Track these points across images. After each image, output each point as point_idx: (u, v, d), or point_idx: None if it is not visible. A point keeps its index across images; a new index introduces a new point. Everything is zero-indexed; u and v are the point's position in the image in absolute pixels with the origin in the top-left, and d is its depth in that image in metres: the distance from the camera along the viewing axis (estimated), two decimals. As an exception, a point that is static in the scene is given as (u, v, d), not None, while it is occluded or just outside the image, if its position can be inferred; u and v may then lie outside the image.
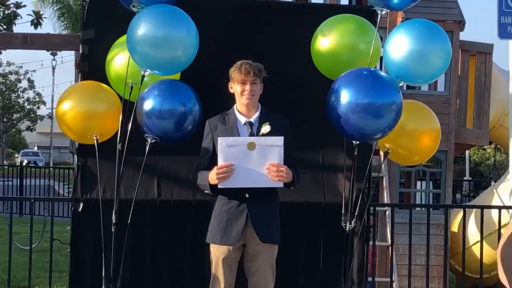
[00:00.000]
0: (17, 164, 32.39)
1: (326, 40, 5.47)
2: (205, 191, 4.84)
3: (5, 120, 44.33)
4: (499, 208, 7.29)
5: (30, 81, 43.70)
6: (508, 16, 7.81)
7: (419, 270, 8.95)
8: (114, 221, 5.29)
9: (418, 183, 13.50)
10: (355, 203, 5.50)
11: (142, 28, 4.92)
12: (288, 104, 5.91)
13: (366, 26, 5.52)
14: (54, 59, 15.84)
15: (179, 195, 5.93)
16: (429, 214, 6.83)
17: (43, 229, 8.56)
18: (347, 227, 5.43)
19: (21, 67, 42.58)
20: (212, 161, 4.77)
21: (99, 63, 5.67)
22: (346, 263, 5.57)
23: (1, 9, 11.13)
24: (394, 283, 7.15)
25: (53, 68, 16.55)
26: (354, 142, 5.25)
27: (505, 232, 2.03)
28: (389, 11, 5.62)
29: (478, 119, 10.12)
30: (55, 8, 28.34)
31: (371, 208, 6.39)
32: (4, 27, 10.99)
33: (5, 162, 41.48)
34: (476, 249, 8.36)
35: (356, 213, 5.47)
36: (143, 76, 5.11)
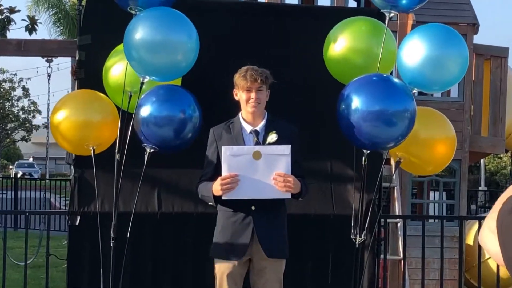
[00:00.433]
0: (11, 176, 32.43)
1: (339, 45, 5.43)
2: (209, 203, 4.82)
3: (-1, 130, 44.41)
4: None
5: (25, 89, 43.73)
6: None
7: (433, 285, 8.91)
8: (112, 235, 5.27)
9: (431, 193, 13.46)
10: (365, 214, 5.48)
11: (139, 32, 4.89)
12: (295, 110, 5.90)
13: (382, 29, 5.47)
14: (49, 66, 15.77)
15: (180, 207, 5.90)
16: (442, 226, 6.80)
17: (38, 244, 8.56)
18: (357, 240, 5.40)
19: (15, 74, 42.62)
20: (216, 172, 4.74)
21: (97, 70, 5.65)
22: (356, 278, 5.55)
23: (-6, 14, 11.14)
24: (406, 299, 7.12)
25: (49, 76, 16.50)
26: (364, 151, 5.23)
27: (502, 197, 2.01)
28: (397, 13, 5.59)
29: (493, 126, 10.09)
30: (51, 13, 28.43)
31: (382, 220, 6.38)
32: (-2, 33, 11.01)
33: (-1, 174, 41.56)
34: (492, 263, 8.30)
35: (366, 226, 5.45)
36: (142, 83, 5.09)
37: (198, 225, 5.77)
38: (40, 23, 13.12)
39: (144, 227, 5.81)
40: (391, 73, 5.56)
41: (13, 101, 43.87)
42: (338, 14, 5.87)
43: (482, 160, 22.39)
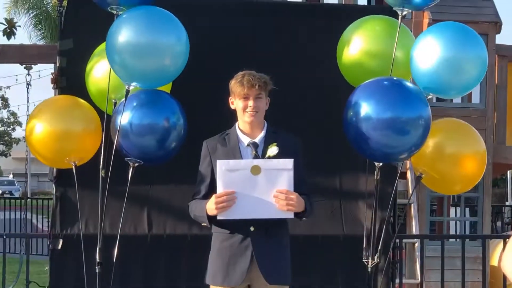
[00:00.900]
0: (-11, 195, 32.45)
1: (353, 48, 5.39)
2: (202, 224, 4.78)
3: (-25, 144, 44.55)
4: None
5: (4, 99, 43.94)
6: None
7: (454, 310, 8.88)
8: (98, 260, 5.25)
9: (452, 210, 13.45)
10: (378, 235, 5.47)
11: (122, 34, 4.87)
12: (298, 119, 5.88)
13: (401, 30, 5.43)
14: (28, 74, 15.81)
15: (173, 229, 5.90)
16: (464, 246, 6.80)
17: (18, 270, 8.53)
18: (370, 263, 5.38)
19: (-8, 83, 42.84)
20: (210, 189, 4.70)
21: (79, 78, 5.63)
22: (369, 305, 5.53)
23: (-32, 17, 11.16)
24: (425, 327, 7.09)
25: (28, 84, 16.53)
26: (376, 163, 5.20)
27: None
28: (410, 11, 5.57)
29: (519, 135, 10.10)
30: (31, 15, 28.48)
31: (398, 240, 6.36)
32: (-28, 38, 11.03)
33: (-24, 193, 41.59)
34: (520, 286, 8.29)
35: (379, 247, 5.43)
36: (127, 91, 5.06)
37: (193, 249, 5.77)
38: (19, 26, 13.14)
39: (132, 251, 5.80)
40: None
41: (-10, 112, 44.06)
42: (349, 13, 5.86)
43: (508, 173, 22.38)
